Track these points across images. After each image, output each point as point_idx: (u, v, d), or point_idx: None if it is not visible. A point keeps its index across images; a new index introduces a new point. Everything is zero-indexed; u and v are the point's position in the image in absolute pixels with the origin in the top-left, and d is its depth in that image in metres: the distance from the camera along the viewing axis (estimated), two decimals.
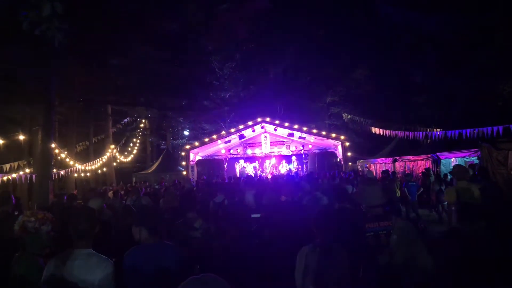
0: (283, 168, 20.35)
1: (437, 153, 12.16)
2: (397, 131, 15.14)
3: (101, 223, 3.84)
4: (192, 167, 18.76)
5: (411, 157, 13.74)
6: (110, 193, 10.02)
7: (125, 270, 2.50)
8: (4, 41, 10.14)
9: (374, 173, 14.59)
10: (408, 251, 2.16)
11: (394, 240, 2.20)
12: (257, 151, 20.40)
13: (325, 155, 19.72)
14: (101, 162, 18.56)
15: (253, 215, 4.38)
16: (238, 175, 18.38)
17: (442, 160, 12.22)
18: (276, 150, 20.44)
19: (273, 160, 20.62)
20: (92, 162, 17.62)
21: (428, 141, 13.48)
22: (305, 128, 18.34)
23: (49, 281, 2.18)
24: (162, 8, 18.27)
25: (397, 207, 7.50)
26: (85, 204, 5.30)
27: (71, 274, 2.16)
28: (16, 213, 4.04)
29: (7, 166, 12.92)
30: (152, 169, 22.47)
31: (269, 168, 20.36)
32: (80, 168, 16.19)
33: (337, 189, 6.35)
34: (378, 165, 16.06)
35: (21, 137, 15.56)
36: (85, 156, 20.45)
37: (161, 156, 23.89)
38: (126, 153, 26.20)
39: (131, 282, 2.47)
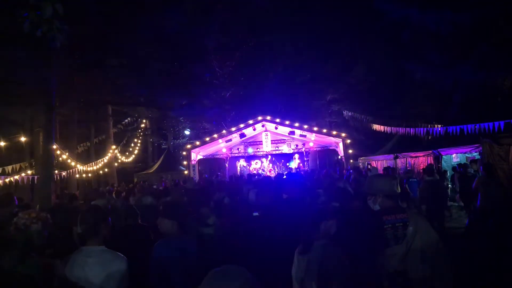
0: (285, 166, 20.39)
1: (438, 149, 12.14)
2: (398, 128, 15.12)
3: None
4: (194, 166, 18.78)
5: (412, 154, 13.73)
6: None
7: (155, 260, 2.71)
8: (5, 42, 10.14)
9: (377, 170, 14.62)
10: (425, 240, 2.25)
11: (411, 231, 2.28)
12: (258, 150, 20.42)
13: (326, 153, 19.73)
14: (102, 162, 18.60)
15: (255, 214, 4.39)
16: (239, 174, 18.43)
17: (443, 156, 12.21)
18: (277, 148, 20.44)
19: (274, 159, 20.66)
20: (93, 163, 17.66)
21: (429, 137, 13.46)
22: (306, 126, 18.35)
23: (64, 279, 2.20)
24: (161, 7, 18.27)
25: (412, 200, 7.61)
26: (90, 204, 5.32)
27: (86, 272, 2.19)
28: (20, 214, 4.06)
29: (9, 167, 12.96)
30: (153, 169, 22.51)
31: (268, 166, 20.42)
32: (81, 169, 16.23)
33: (333, 187, 6.38)
34: (380, 162, 16.06)
35: (23, 139, 15.58)
36: (86, 157, 20.49)
37: (162, 156, 23.93)
38: (127, 153, 26.25)
39: (161, 271, 2.67)
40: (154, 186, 13.73)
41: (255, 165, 20.78)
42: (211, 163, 20.09)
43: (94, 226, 2.34)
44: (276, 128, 18.75)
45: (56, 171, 13.49)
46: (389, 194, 2.49)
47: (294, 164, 20.48)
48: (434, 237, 2.28)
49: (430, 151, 12.50)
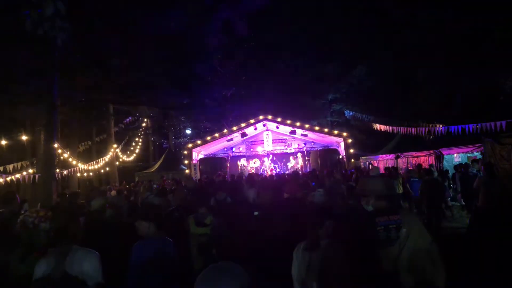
0: (286, 165, 20.38)
1: (440, 149, 12.12)
2: (399, 127, 15.08)
3: (103, 222, 3.90)
4: (195, 165, 18.77)
5: (413, 153, 13.70)
6: (113, 192, 10.06)
7: (132, 261, 2.71)
8: (6, 41, 10.16)
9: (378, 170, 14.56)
10: (417, 242, 2.22)
11: (404, 233, 2.24)
12: (259, 149, 20.40)
13: (328, 152, 19.71)
14: (103, 161, 18.60)
15: (256, 213, 4.39)
16: (240, 173, 18.42)
17: (445, 156, 12.18)
18: (278, 147, 20.42)
19: (276, 158, 20.66)
20: (94, 162, 17.66)
21: (431, 137, 13.43)
22: (307, 126, 18.32)
23: (41, 278, 2.25)
24: (163, 7, 18.28)
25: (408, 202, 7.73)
26: (87, 203, 5.34)
27: (60, 269, 2.25)
28: (22, 212, 4.08)
29: (11, 166, 13.00)
30: (154, 168, 22.53)
31: (269, 166, 20.41)
32: (83, 168, 16.22)
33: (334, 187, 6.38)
34: (381, 162, 16.03)
35: (24, 138, 15.61)
36: (87, 156, 20.51)
37: (163, 155, 23.95)
38: (128, 152, 26.24)
39: (139, 272, 2.66)
40: (155, 186, 13.70)
41: (253, 164, 20.79)
42: (212, 162, 20.10)
43: (65, 226, 2.41)
44: (277, 127, 18.75)
45: (58, 170, 13.50)
46: (382, 195, 2.45)
47: (295, 163, 20.50)
48: (427, 239, 2.24)
49: (432, 151, 12.48)
